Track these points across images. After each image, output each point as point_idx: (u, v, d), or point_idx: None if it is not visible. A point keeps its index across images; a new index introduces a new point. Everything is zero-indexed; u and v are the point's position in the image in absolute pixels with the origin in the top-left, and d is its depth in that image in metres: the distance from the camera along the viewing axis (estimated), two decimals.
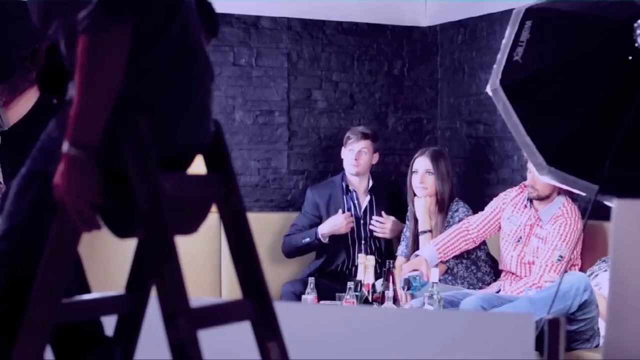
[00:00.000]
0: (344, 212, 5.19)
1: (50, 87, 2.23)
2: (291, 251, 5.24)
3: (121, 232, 2.16)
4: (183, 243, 2.10)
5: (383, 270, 4.43)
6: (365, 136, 5.18)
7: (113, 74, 2.02)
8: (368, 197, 5.25)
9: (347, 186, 5.25)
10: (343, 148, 5.25)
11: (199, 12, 2.28)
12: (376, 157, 5.27)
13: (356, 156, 5.17)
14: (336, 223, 5.13)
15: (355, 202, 5.24)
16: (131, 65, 2.07)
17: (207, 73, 2.24)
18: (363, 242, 5.18)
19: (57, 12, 2.13)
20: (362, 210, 5.24)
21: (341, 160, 5.30)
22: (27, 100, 4.33)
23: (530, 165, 4.28)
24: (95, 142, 2.03)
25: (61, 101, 2.20)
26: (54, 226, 2.09)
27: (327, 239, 5.12)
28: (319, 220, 5.23)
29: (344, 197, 5.24)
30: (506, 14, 4.61)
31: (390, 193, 5.39)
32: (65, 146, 2.03)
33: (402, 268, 4.59)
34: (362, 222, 5.22)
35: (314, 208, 5.27)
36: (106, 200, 2.07)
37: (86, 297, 2.32)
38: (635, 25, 3.17)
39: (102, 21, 1.99)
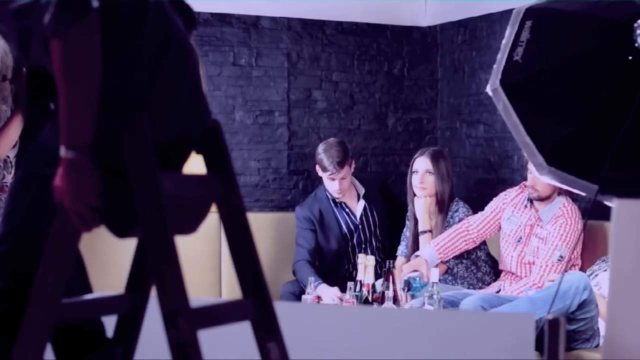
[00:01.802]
0: (338, 224, 5.16)
1: (42, 97, 2.23)
2: (300, 281, 5.08)
3: (121, 232, 2.16)
4: (183, 243, 2.10)
5: (383, 270, 4.43)
6: (341, 164, 5.05)
7: (89, 69, 2.02)
8: (362, 204, 5.23)
9: (334, 199, 5.20)
10: (320, 170, 5.12)
11: (174, 7, 2.29)
12: (353, 165, 5.20)
13: (339, 186, 5.09)
14: (327, 293, 4.84)
15: (347, 210, 5.22)
16: (116, 58, 2.07)
17: (192, 57, 2.25)
18: (363, 246, 5.16)
19: (34, 32, 2.12)
20: (358, 217, 5.21)
21: None
22: (15, 131, 4.28)
23: (530, 166, 4.28)
24: (89, 141, 2.04)
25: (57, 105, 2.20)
26: (54, 226, 2.09)
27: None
28: (317, 233, 5.18)
29: (335, 210, 5.20)
30: (506, 14, 4.61)
31: (385, 194, 5.38)
32: (62, 150, 2.04)
33: (402, 269, 4.59)
34: (360, 228, 5.20)
35: (309, 222, 5.17)
36: (106, 200, 2.08)
37: (86, 297, 2.32)
38: (635, 25, 3.16)
39: (65, 20, 1.98)
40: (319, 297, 4.51)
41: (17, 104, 4.20)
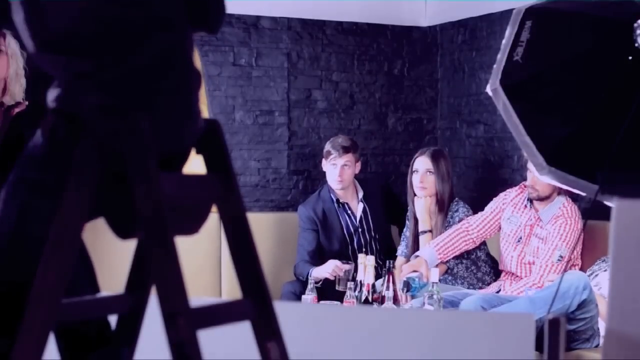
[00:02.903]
0: (341, 226, 5.15)
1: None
2: (300, 276, 5.09)
3: (124, 233, 2.16)
4: (183, 243, 2.10)
5: (383, 271, 4.43)
6: (346, 150, 5.08)
7: None
8: (361, 206, 5.22)
9: (337, 200, 5.20)
10: (324, 161, 5.17)
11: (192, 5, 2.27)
12: (358, 166, 5.21)
13: (340, 172, 5.10)
14: (325, 268, 4.89)
15: (349, 212, 5.22)
16: (113, 68, 2.08)
17: (192, 76, 2.24)
18: (363, 249, 5.15)
19: None
20: (358, 219, 5.21)
21: None
22: None
23: (530, 165, 4.28)
24: None
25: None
26: (53, 226, 2.09)
27: (319, 283, 4.84)
28: (319, 233, 5.17)
29: (337, 211, 5.20)
30: (506, 14, 4.62)
31: (386, 195, 5.37)
32: None
33: (402, 269, 4.59)
34: (360, 230, 5.19)
35: (312, 223, 5.17)
36: (109, 201, 2.08)
37: (86, 297, 2.32)
38: (635, 25, 3.17)
39: None
40: (318, 297, 4.51)
41: None
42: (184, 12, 2.24)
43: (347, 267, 4.80)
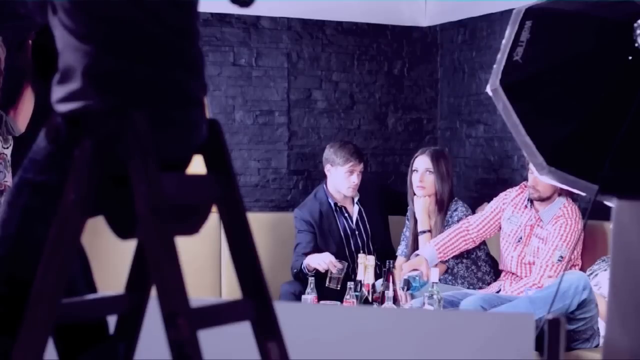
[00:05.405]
0: (338, 228, 5.15)
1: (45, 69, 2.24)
2: (297, 278, 5.10)
3: (124, 233, 2.16)
4: (183, 243, 2.10)
5: (383, 270, 4.43)
6: (360, 158, 5.09)
7: None
8: (356, 208, 5.22)
9: (335, 203, 5.18)
10: (333, 167, 5.10)
11: None
12: None
13: (357, 179, 5.09)
14: (320, 257, 4.91)
15: (346, 215, 5.21)
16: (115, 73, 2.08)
17: (200, 86, 2.24)
18: (361, 250, 5.13)
19: None
20: (354, 222, 5.20)
21: None
22: (28, 102, 4.35)
23: (531, 166, 4.28)
24: None
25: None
26: (53, 226, 2.09)
27: (312, 272, 4.89)
28: (316, 235, 5.16)
29: (335, 214, 5.19)
30: (506, 14, 4.61)
31: (385, 195, 5.37)
32: None
33: (402, 267, 4.59)
34: (356, 232, 5.19)
35: (309, 225, 5.15)
36: (109, 201, 2.08)
37: (86, 297, 2.32)
38: (635, 25, 3.17)
39: None
40: (318, 297, 4.51)
41: (25, 77, 4.25)
42: (195, 20, 2.24)
43: (340, 265, 4.79)
